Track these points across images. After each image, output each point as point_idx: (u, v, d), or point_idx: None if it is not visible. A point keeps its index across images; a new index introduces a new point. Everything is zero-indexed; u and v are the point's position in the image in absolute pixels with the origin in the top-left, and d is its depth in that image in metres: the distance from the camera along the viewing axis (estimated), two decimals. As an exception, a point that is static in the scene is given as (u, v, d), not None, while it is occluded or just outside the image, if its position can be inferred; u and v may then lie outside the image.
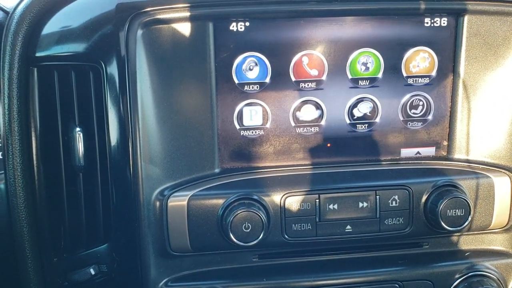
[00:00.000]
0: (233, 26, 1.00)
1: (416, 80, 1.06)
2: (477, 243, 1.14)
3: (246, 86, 1.03)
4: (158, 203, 1.01)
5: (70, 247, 1.08)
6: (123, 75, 0.97)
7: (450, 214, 1.01)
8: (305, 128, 1.06)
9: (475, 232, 1.11)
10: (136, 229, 1.02)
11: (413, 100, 1.07)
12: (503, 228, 1.11)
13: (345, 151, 1.08)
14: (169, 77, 0.99)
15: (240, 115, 1.04)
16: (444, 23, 1.04)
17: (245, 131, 1.05)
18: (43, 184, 1.04)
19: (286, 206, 1.01)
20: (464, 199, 1.01)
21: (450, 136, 1.09)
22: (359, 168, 1.06)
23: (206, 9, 0.97)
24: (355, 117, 1.06)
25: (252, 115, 1.04)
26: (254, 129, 1.05)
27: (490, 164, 1.08)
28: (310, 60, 1.03)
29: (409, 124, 1.08)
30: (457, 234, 1.10)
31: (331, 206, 1.02)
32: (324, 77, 1.04)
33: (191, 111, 1.01)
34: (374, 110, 1.07)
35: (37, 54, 1.00)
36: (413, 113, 1.08)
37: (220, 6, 0.98)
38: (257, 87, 1.03)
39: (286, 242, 1.03)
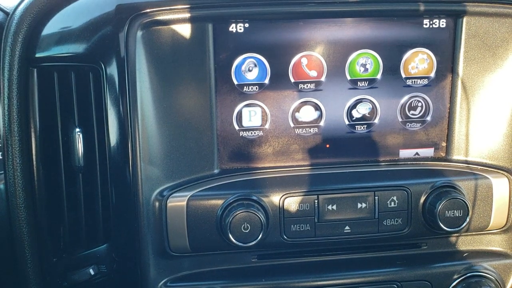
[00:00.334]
0: (232, 28, 1.00)
1: (415, 81, 1.07)
2: (475, 244, 1.14)
3: (245, 87, 1.03)
4: (157, 204, 1.01)
5: (69, 247, 1.08)
6: (122, 76, 0.98)
7: (448, 215, 1.01)
8: (304, 129, 1.06)
9: (473, 233, 1.12)
10: (136, 230, 1.02)
11: (411, 101, 1.08)
12: (501, 229, 1.11)
13: (344, 152, 1.08)
14: (168, 78, 0.99)
15: (239, 116, 1.04)
16: (442, 24, 1.05)
17: (244, 132, 1.05)
18: (42, 185, 1.04)
19: (285, 206, 1.01)
20: (463, 200, 1.02)
21: (449, 137, 1.10)
22: (358, 169, 1.07)
23: (205, 10, 0.98)
24: (354, 118, 1.07)
25: (251, 116, 1.04)
26: (253, 130, 1.05)
27: (488, 165, 1.09)
28: (309, 61, 1.03)
29: (408, 125, 1.09)
30: (455, 235, 1.11)
31: (329, 207, 1.02)
32: (323, 78, 1.04)
33: (191, 112, 1.01)
34: (373, 111, 1.07)
35: (37, 55, 1.00)
36: (412, 114, 1.08)
37: (220, 8, 0.98)
38: (256, 88, 1.03)
39: (285, 243, 1.03)
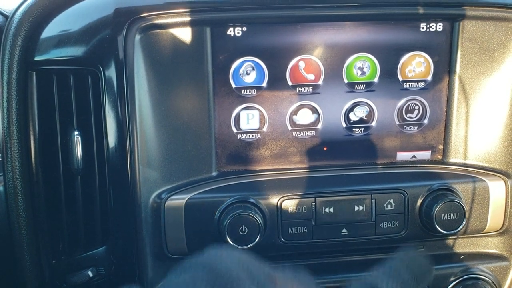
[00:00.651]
0: (230, 31, 1.00)
1: (412, 84, 1.07)
2: (472, 247, 1.14)
3: (243, 90, 1.03)
4: (155, 206, 1.01)
5: (68, 249, 1.09)
6: (121, 79, 0.98)
7: (445, 218, 1.02)
8: (301, 132, 1.07)
9: (470, 236, 1.12)
10: (134, 232, 1.03)
11: (409, 104, 1.08)
12: (498, 232, 1.12)
13: (341, 154, 1.08)
14: (166, 81, 0.99)
15: (237, 119, 1.05)
16: (440, 28, 1.05)
17: (242, 135, 1.05)
18: (41, 187, 1.04)
19: (282, 209, 1.02)
20: (459, 203, 1.02)
21: (446, 140, 1.10)
22: (355, 172, 1.07)
23: (203, 14, 0.98)
24: (351, 121, 1.07)
25: (249, 119, 1.05)
26: (251, 132, 1.05)
27: (485, 168, 1.09)
28: (307, 64, 1.04)
29: (405, 128, 1.09)
30: (452, 237, 1.11)
31: (327, 210, 1.03)
32: (320, 82, 1.05)
33: (189, 115, 1.01)
34: (370, 114, 1.07)
35: (36, 58, 1.00)
36: (409, 117, 1.09)
37: (218, 11, 0.99)
38: (254, 91, 1.04)
39: (282, 245, 1.03)
